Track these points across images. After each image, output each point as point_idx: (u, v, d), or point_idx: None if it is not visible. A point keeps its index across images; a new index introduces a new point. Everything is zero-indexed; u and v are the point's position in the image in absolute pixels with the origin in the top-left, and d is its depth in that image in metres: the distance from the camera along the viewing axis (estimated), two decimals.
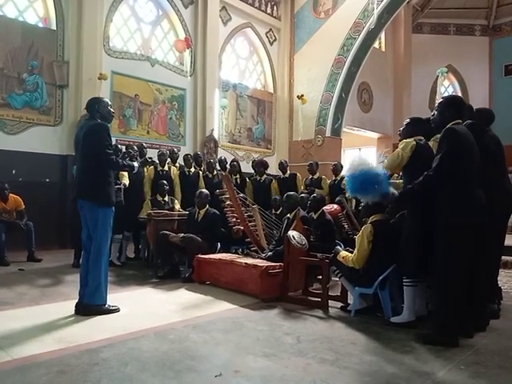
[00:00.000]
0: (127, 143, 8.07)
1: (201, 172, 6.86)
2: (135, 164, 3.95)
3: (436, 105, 3.33)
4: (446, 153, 3.01)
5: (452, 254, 2.96)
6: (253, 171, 7.39)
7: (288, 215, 4.91)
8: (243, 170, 7.54)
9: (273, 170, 10.45)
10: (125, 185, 5.80)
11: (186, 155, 6.95)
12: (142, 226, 5.92)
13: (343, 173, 3.58)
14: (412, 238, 3.30)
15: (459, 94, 14.47)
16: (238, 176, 6.97)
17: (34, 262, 5.98)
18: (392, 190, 3.34)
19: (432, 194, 3.10)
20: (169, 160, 6.81)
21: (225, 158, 7.50)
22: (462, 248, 2.96)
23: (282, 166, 7.31)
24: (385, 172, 3.39)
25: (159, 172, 6.42)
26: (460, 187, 3.01)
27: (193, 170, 6.78)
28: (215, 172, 6.93)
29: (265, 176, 7.10)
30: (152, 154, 7.12)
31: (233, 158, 8.09)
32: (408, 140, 3.42)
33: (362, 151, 14.74)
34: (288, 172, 7.29)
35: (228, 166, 7.25)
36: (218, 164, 7.34)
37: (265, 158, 9.82)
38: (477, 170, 3.10)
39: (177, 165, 6.94)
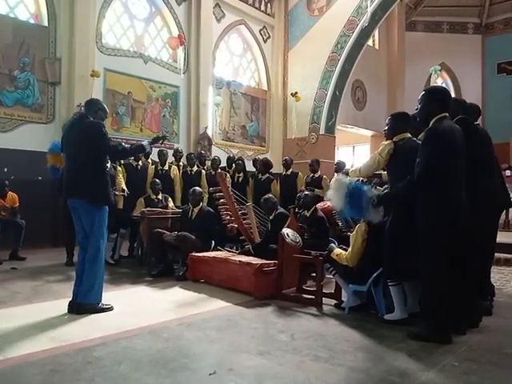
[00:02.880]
0: (120, 141, 8.03)
1: (203, 171, 6.86)
2: (144, 143, 3.86)
3: (419, 97, 3.21)
4: (428, 158, 2.93)
5: (435, 254, 2.96)
6: (253, 169, 7.38)
7: (270, 217, 4.95)
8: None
9: None
10: (128, 193, 5.81)
11: (189, 154, 6.98)
12: (137, 224, 5.89)
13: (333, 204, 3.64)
14: (391, 240, 3.29)
15: (452, 92, 14.55)
16: (241, 174, 6.96)
17: (17, 260, 5.90)
18: (373, 194, 3.34)
19: (415, 195, 3.06)
20: (173, 159, 6.86)
21: (234, 156, 7.47)
22: (446, 247, 2.95)
23: (286, 163, 7.27)
24: (358, 185, 3.39)
25: (159, 171, 6.43)
26: (445, 187, 2.97)
27: (195, 168, 6.78)
28: (219, 170, 6.93)
29: (266, 175, 7.08)
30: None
31: (239, 156, 8.07)
32: (387, 142, 3.37)
33: (358, 150, 14.81)
34: (291, 170, 7.26)
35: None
36: (226, 161, 7.35)
37: (259, 156, 9.84)
38: (463, 167, 3.04)
39: (181, 164, 6.94)
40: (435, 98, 3.13)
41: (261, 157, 8.87)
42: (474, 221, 3.08)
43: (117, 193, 5.62)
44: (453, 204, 2.96)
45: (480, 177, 3.33)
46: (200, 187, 6.02)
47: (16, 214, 6.19)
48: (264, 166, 7.13)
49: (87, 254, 3.59)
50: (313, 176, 7.10)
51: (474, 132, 3.40)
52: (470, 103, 4.08)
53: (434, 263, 2.98)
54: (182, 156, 7.05)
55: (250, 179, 7.06)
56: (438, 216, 2.95)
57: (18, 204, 6.24)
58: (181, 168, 6.83)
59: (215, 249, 5.35)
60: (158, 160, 6.62)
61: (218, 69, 10.54)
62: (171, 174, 6.53)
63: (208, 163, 7.46)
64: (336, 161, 7.41)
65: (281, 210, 4.99)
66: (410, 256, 3.17)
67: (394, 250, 3.27)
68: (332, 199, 3.59)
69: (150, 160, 6.68)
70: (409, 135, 3.46)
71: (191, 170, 6.75)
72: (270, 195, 5.23)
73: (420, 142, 3.19)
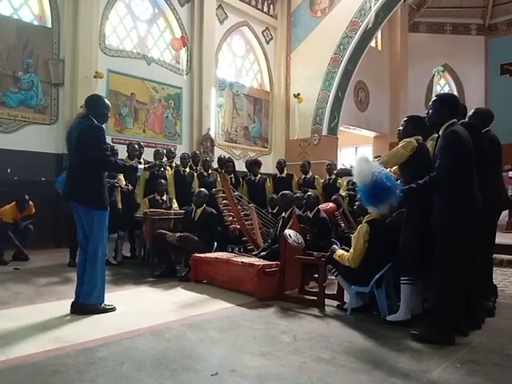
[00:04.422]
0: (123, 142, 8.07)
1: (195, 173, 6.84)
2: (139, 166, 3.85)
3: (430, 103, 3.29)
4: (452, 158, 2.97)
5: (452, 254, 2.96)
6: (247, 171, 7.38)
7: (283, 214, 4.91)
8: (240, 168, 7.53)
9: (269, 168, 10.48)
10: (128, 189, 5.81)
11: (183, 154, 6.94)
12: (138, 225, 5.91)
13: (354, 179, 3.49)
14: (414, 237, 3.29)
15: (455, 93, 14.53)
16: (232, 175, 6.96)
17: (20, 260, 5.91)
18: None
19: (432, 195, 3.09)
20: (165, 159, 6.81)
21: (224, 157, 7.49)
22: (461, 249, 2.96)
23: (280, 165, 7.30)
24: (391, 176, 3.31)
25: (154, 172, 6.40)
26: (460, 188, 2.99)
27: (188, 169, 6.77)
28: (210, 171, 6.92)
29: (259, 176, 7.10)
30: (148, 152, 7.10)
31: (228, 156, 8.09)
32: (410, 139, 3.39)
33: (360, 151, 14.77)
34: (285, 172, 7.29)
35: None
36: (217, 162, 7.33)
37: (261, 157, 9.87)
38: (474, 170, 3.09)
39: (173, 164, 6.92)
40: (445, 103, 3.19)
41: (261, 158, 8.86)
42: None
43: (121, 184, 5.63)
44: (469, 206, 2.98)
45: (485, 179, 3.34)
46: (192, 188, 6.01)
47: (28, 219, 6.27)
48: (255, 165, 7.17)
49: (87, 254, 3.60)
50: (305, 177, 7.17)
51: (477, 136, 3.40)
52: (481, 108, 4.12)
53: (448, 264, 2.97)
54: (174, 156, 6.99)
55: (241, 180, 7.06)
56: (456, 217, 2.96)
57: (33, 211, 6.30)
58: (173, 168, 6.80)
59: (218, 250, 5.35)
60: (153, 160, 6.58)
61: (221, 70, 10.56)
62: (167, 175, 6.51)
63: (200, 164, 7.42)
64: (328, 162, 7.41)
65: (296, 209, 4.95)
66: (427, 255, 3.17)
67: (414, 248, 3.27)
68: (357, 172, 3.34)
69: (142, 160, 6.62)
70: (421, 138, 3.49)
71: (184, 170, 6.72)
72: (288, 191, 5.15)
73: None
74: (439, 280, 3.04)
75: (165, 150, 6.88)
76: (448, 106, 3.17)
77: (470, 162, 3.04)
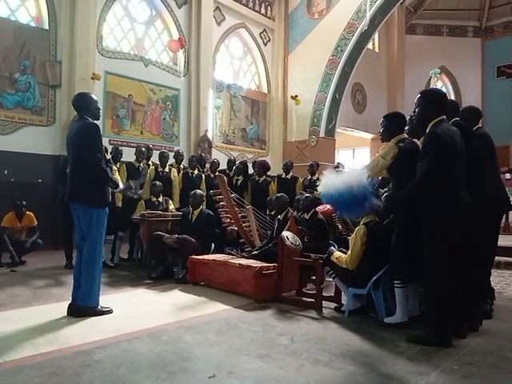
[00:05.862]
0: (120, 144, 8.05)
1: (203, 175, 6.88)
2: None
3: (415, 100, 3.21)
4: (429, 162, 2.94)
5: (438, 256, 2.95)
6: (252, 171, 7.40)
7: (278, 216, 4.91)
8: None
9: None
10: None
11: (192, 157, 7.02)
12: (136, 227, 5.89)
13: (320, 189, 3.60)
14: (401, 241, 3.29)
15: (452, 95, 14.61)
16: (240, 177, 6.97)
17: (16, 264, 5.83)
18: (376, 202, 3.33)
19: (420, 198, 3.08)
20: (173, 161, 6.88)
21: (234, 159, 7.51)
22: (448, 250, 2.94)
23: (286, 167, 7.35)
24: (366, 186, 3.36)
25: (159, 173, 6.42)
26: (445, 189, 2.96)
27: (196, 171, 6.81)
28: (217, 173, 6.95)
29: (264, 177, 7.10)
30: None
31: (243, 159, 8.13)
32: (391, 145, 3.36)
33: (357, 154, 14.82)
34: (290, 174, 7.31)
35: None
36: (226, 164, 7.38)
37: (258, 158, 9.85)
38: (463, 170, 3.04)
39: (181, 166, 6.95)
40: (432, 100, 3.13)
41: (260, 159, 8.87)
42: (475, 222, 3.08)
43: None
44: (454, 206, 2.96)
45: (481, 179, 3.33)
46: (200, 190, 6.03)
47: (34, 233, 6.22)
48: (262, 168, 7.16)
49: (83, 256, 3.59)
50: (311, 179, 7.17)
51: (469, 136, 3.39)
52: (470, 106, 4.10)
53: (437, 265, 2.97)
54: (182, 159, 7.07)
55: (249, 183, 7.08)
56: (440, 218, 2.95)
57: (35, 223, 6.24)
58: (181, 170, 6.84)
59: (215, 251, 5.35)
60: (158, 162, 6.62)
61: (219, 72, 10.56)
62: (171, 176, 6.54)
63: (207, 166, 7.49)
64: (335, 164, 7.45)
65: (291, 210, 4.95)
66: (417, 258, 3.17)
67: (403, 252, 3.27)
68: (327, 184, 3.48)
69: (150, 162, 6.67)
70: (405, 135, 3.46)
71: (192, 173, 6.76)
72: (283, 194, 5.16)
73: (419, 144, 3.23)
74: (428, 282, 3.05)
75: (173, 153, 6.90)
76: (433, 103, 3.10)
77: (455, 162, 2.99)
